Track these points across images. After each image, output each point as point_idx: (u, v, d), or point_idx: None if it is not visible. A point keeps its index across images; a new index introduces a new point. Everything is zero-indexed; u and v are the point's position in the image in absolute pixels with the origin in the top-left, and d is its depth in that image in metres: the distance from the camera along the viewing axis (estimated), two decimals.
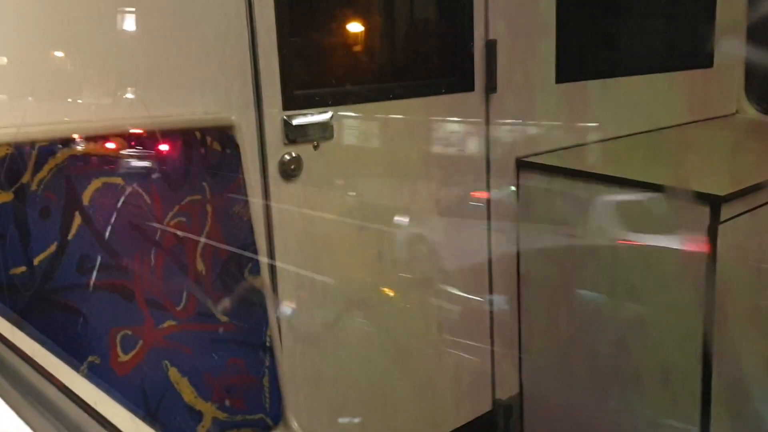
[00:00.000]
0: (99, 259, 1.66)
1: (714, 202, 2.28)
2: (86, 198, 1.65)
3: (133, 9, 1.80)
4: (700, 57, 3.58)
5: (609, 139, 3.07)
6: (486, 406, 2.85)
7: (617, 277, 2.56)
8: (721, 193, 2.31)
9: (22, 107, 1.62)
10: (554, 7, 2.79)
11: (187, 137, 1.84)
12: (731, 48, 3.64)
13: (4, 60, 1.62)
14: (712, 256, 2.30)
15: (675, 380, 2.45)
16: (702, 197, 2.31)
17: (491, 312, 2.80)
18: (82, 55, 1.73)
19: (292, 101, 2.10)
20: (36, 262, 1.57)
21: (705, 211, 2.30)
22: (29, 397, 0.99)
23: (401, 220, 2.47)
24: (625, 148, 3.07)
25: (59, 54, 1.71)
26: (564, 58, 2.83)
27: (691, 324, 2.35)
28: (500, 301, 2.81)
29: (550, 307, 2.80)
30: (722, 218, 2.29)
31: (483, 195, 2.70)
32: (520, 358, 2.91)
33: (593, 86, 3.02)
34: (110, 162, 1.70)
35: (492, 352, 2.83)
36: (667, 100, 3.38)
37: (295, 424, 2.00)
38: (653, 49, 3.45)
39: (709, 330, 2.33)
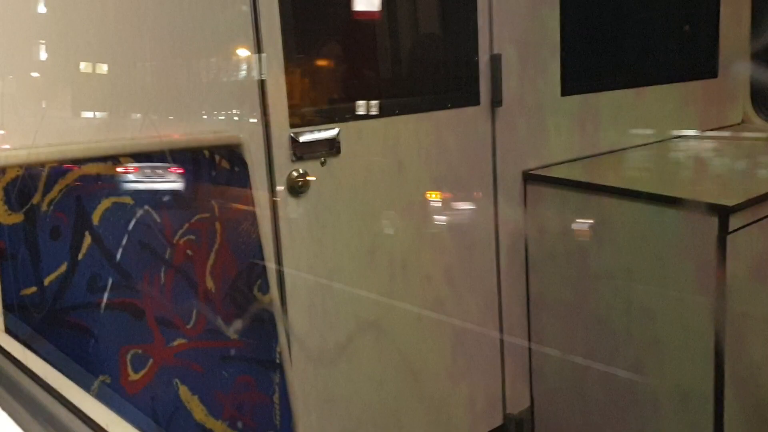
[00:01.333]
0: (109, 278, 1.67)
1: (722, 213, 2.28)
2: (96, 218, 1.66)
3: (142, 30, 1.81)
4: (704, 67, 3.58)
5: (615, 151, 3.07)
6: (497, 421, 2.84)
7: (626, 289, 2.55)
8: (729, 203, 2.30)
9: (32, 129, 1.63)
10: (558, 21, 2.80)
11: (195, 156, 1.85)
12: (735, 58, 3.64)
13: (15, 82, 1.64)
14: (722, 266, 2.29)
15: (687, 391, 2.44)
16: (710, 208, 2.30)
17: (501, 326, 2.79)
18: (92, 77, 1.74)
19: (298, 118, 2.11)
20: (47, 282, 1.58)
21: (713, 222, 2.29)
22: (41, 418, 0.99)
23: (409, 235, 2.47)
24: (632, 159, 3.07)
25: (69, 76, 1.72)
26: (569, 71, 2.84)
27: (703, 336, 2.34)
28: (510, 316, 2.81)
29: (559, 320, 2.79)
30: (730, 228, 2.29)
31: (490, 208, 2.70)
32: (530, 372, 2.90)
33: (599, 98, 3.02)
34: (119, 182, 1.71)
35: (502, 366, 2.82)
36: (672, 111, 3.38)
37: None
38: (658, 61, 3.45)
39: (721, 342, 2.32)
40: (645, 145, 3.20)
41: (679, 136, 3.36)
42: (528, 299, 2.85)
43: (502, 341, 2.79)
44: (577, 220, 2.69)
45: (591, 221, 2.65)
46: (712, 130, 3.56)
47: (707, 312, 2.33)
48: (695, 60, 3.63)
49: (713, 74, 3.59)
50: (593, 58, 3.09)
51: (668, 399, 2.48)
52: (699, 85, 3.52)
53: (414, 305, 2.50)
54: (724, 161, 3.24)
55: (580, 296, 2.69)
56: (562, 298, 2.76)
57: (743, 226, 2.35)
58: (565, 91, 2.84)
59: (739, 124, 3.73)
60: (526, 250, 2.82)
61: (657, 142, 3.26)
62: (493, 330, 2.79)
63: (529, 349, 2.87)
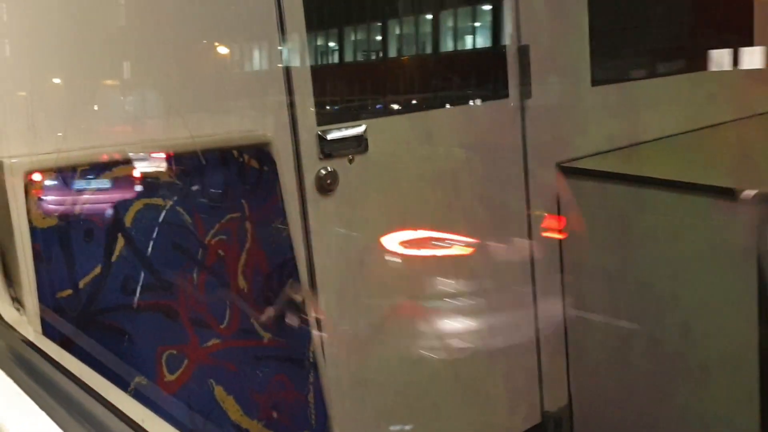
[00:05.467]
0: (143, 279, 1.68)
1: (761, 200, 2.22)
2: (128, 220, 1.67)
3: (168, 31, 1.83)
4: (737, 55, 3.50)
5: (649, 141, 3.02)
6: (535, 419, 2.80)
7: (665, 280, 2.50)
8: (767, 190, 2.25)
9: (63, 133, 1.65)
10: (587, 10, 2.76)
11: (224, 156, 1.86)
12: None
13: (44, 86, 1.66)
14: (762, 254, 2.23)
15: (728, 378, 2.38)
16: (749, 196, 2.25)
17: (536, 321, 2.76)
18: (120, 79, 1.76)
19: (326, 116, 2.11)
20: (81, 284, 1.59)
21: (752, 210, 2.23)
22: (78, 416, 0.99)
23: (440, 230, 2.45)
24: (666, 149, 3.01)
25: (98, 79, 1.74)
26: (599, 60, 2.80)
27: (744, 334, 2.28)
28: (545, 310, 2.77)
29: (596, 314, 2.75)
30: None
31: (522, 203, 2.67)
32: (567, 368, 2.86)
33: (630, 88, 2.97)
34: (150, 183, 1.72)
35: (539, 362, 2.78)
36: (705, 99, 3.31)
37: None
38: (689, 48, 3.39)
39: (764, 332, 2.26)
40: (680, 134, 3.14)
41: (714, 125, 3.29)
42: (563, 293, 2.81)
43: (537, 336, 2.76)
44: (613, 212, 2.65)
45: (627, 212, 2.60)
46: (745, 117, 3.48)
47: (752, 304, 2.27)
48: (727, 46, 3.55)
49: None
50: (624, 48, 3.04)
51: (711, 392, 2.43)
52: (732, 72, 3.44)
53: (445, 300, 2.49)
54: (762, 149, 3.16)
55: (618, 290, 2.64)
56: (598, 290, 2.71)
57: None
58: (596, 80, 2.80)
59: None
60: (561, 246, 2.78)
61: (691, 131, 3.19)
62: (529, 326, 2.75)
63: (566, 343, 2.83)
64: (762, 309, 2.24)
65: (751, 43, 3.51)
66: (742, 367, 2.30)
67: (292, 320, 1.94)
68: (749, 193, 2.25)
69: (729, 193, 2.30)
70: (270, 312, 1.87)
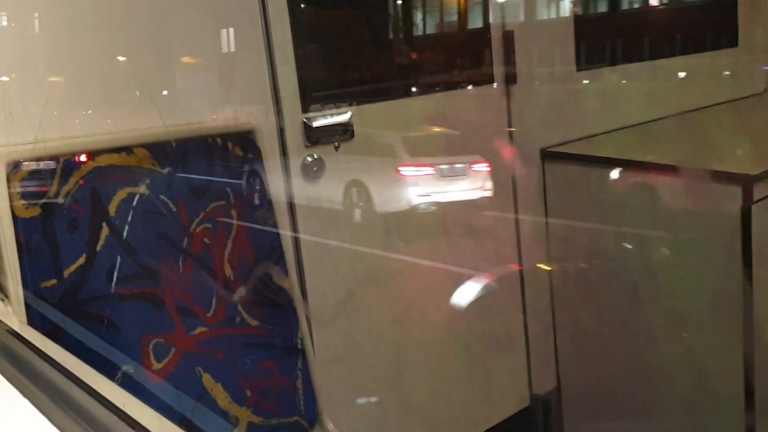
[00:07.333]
0: (128, 269, 1.67)
1: (746, 182, 2.24)
2: (112, 209, 1.67)
3: (150, 19, 1.82)
4: (725, 37, 3.51)
5: (635, 125, 3.02)
6: (523, 402, 2.82)
7: (650, 263, 2.52)
8: (753, 172, 2.26)
9: (46, 123, 1.64)
10: None
11: (208, 144, 1.85)
12: (756, 25, 3.57)
13: (26, 76, 1.65)
14: (747, 237, 2.25)
15: (715, 371, 2.41)
16: (733, 177, 2.26)
17: (524, 305, 2.77)
18: (99, 68, 1.75)
19: (311, 103, 2.10)
20: (66, 274, 1.59)
21: (737, 192, 2.25)
22: (62, 404, 1.00)
23: (427, 217, 2.46)
24: (653, 133, 3.02)
25: (80, 68, 1.73)
26: (584, 44, 2.80)
27: (731, 307, 2.30)
28: (532, 294, 2.79)
29: (583, 298, 2.76)
30: (755, 198, 2.24)
31: (508, 188, 2.68)
32: (556, 351, 2.88)
33: (616, 72, 2.98)
34: (134, 172, 1.71)
35: (527, 346, 2.80)
36: (693, 82, 3.32)
37: (330, 426, 1.99)
38: (677, 31, 3.39)
39: (749, 314, 2.28)
40: (666, 117, 3.14)
41: (701, 108, 3.30)
42: (550, 277, 2.82)
43: (525, 320, 2.77)
44: (598, 196, 2.66)
45: (612, 197, 2.61)
46: (734, 100, 3.49)
47: (734, 283, 2.29)
48: (715, 29, 3.56)
49: (734, 43, 3.52)
50: (609, 31, 3.04)
51: (697, 372, 2.45)
52: (720, 54, 3.45)
53: (432, 285, 2.50)
54: (746, 131, 3.18)
55: (603, 272, 2.66)
56: (584, 274, 2.73)
57: None
58: (581, 65, 2.80)
59: (761, 93, 3.66)
60: (547, 230, 2.79)
61: (677, 114, 3.20)
62: (517, 310, 2.77)
63: (554, 327, 2.85)
64: (745, 276, 2.26)
65: (736, 24, 3.53)
66: (732, 351, 2.33)
67: (279, 307, 1.94)
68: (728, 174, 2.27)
69: (709, 175, 2.32)
70: (257, 302, 1.87)
